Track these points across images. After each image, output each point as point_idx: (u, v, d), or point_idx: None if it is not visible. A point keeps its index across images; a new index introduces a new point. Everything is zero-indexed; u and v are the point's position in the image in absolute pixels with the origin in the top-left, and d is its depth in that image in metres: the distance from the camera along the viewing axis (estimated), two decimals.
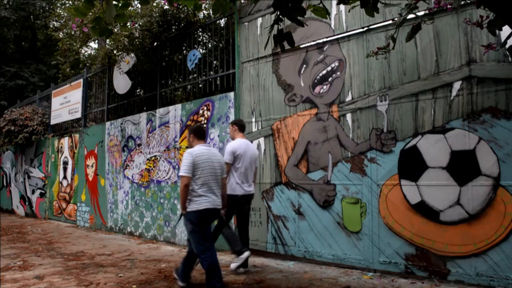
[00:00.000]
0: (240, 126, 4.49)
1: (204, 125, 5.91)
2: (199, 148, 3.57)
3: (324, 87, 4.66)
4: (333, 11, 4.60)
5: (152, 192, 6.83)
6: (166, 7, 6.72)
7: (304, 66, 4.88)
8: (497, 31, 3.02)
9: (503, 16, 2.26)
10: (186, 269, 3.79)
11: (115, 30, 6.58)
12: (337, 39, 4.60)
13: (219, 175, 3.63)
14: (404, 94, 4.02)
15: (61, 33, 12.96)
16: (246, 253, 4.10)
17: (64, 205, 9.61)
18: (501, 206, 3.39)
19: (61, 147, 9.97)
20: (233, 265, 4.19)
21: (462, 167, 3.59)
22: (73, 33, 10.33)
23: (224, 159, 4.04)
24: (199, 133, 3.73)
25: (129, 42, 6.92)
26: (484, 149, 3.50)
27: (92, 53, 13.25)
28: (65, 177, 9.71)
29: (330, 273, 4.16)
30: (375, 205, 4.13)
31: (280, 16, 2.43)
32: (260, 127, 5.26)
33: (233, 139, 4.48)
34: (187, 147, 5.47)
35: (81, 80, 9.36)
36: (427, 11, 3.48)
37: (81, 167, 8.98)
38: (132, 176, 7.33)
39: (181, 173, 3.45)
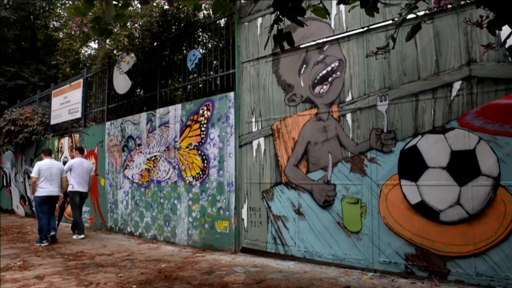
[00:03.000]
0: (79, 149, 7.33)
1: (204, 125, 5.92)
2: (44, 161, 6.53)
3: (324, 87, 4.66)
4: (333, 11, 4.60)
5: (152, 192, 6.83)
6: (166, 7, 6.72)
7: (304, 66, 4.88)
8: (497, 31, 3.02)
9: (503, 16, 2.26)
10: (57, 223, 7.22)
11: (115, 30, 6.57)
12: (337, 39, 4.60)
13: (58, 176, 6.50)
14: (404, 94, 4.02)
15: (61, 33, 12.96)
16: (82, 235, 6.96)
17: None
18: (501, 206, 3.39)
19: (61, 147, 9.97)
20: (74, 237, 6.99)
21: (462, 167, 3.59)
22: (73, 33, 10.33)
23: (65, 168, 6.82)
24: (47, 152, 6.69)
25: (129, 42, 6.92)
26: (484, 149, 3.50)
27: (92, 53, 13.28)
28: None
29: (330, 273, 4.16)
30: (375, 205, 4.13)
31: (280, 16, 2.43)
32: (260, 127, 5.26)
33: (73, 157, 7.69)
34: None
35: (81, 80, 9.36)
36: (427, 11, 3.47)
37: None
38: (132, 176, 7.33)
39: (31, 175, 6.36)
